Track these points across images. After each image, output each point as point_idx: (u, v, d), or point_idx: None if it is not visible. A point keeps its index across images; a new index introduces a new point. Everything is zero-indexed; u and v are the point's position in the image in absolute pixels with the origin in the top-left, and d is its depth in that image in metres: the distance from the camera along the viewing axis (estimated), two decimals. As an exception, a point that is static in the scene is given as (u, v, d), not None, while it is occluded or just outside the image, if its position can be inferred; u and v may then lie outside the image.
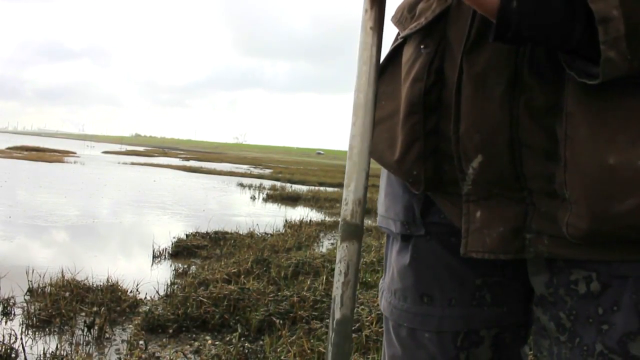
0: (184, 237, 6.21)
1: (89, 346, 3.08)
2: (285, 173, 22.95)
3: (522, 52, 0.56)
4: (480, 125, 0.58)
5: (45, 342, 3.09)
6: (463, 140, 0.60)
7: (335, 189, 15.48)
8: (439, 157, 0.65)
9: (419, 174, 0.66)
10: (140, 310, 3.66)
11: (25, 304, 3.64)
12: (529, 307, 0.74)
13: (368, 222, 8.59)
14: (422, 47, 0.64)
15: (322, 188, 15.51)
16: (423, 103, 0.63)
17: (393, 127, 0.68)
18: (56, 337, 3.20)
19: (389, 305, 0.78)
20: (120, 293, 3.88)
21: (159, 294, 4.02)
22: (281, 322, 3.32)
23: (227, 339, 3.19)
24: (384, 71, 0.73)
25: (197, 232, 6.50)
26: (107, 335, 3.22)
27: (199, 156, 42.83)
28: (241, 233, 6.61)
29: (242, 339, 3.17)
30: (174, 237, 6.11)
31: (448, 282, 0.72)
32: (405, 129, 0.65)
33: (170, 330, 3.29)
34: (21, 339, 3.01)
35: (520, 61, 0.56)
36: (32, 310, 3.47)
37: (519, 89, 0.56)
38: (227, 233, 6.54)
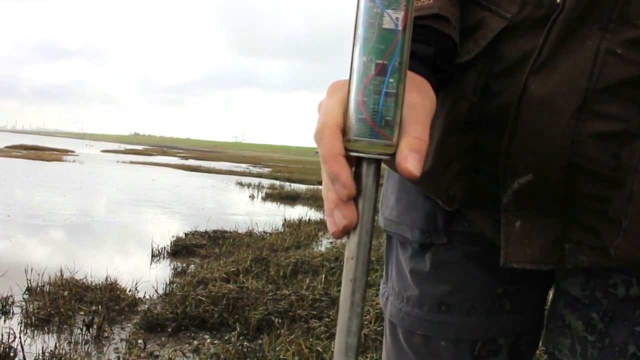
0: (183, 236, 6.20)
1: (87, 345, 3.08)
2: (284, 172, 22.93)
3: (594, 79, 0.53)
4: (538, 148, 0.56)
5: (44, 341, 3.09)
6: (514, 159, 0.58)
7: (334, 188, 15.45)
8: (474, 175, 0.63)
9: (455, 193, 0.64)
10: (139, 309, 3.66)
11: (24, 303, 3.64)
12: (543, 313, 0.74)
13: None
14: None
15: (321, 187, 15.44)
16: (464, 121, 0.60)
17: None
18: (55, 336, 3.20)
19: (399, 312, 0.75)
20: (119, 292, 3.88)
21: (157, 293, 4.02)
22: (280, 321, 3.32)
23: (226, 337, 3.20)
24: None
25: (196, 231, 6.50)
26: (106, 334, 3.22)
27: (197, 155, 42.79)
28: (240, 232, 6.61)
29: (241, 337, 3.17)
30: (172, 236, 6.10)
31: (469, 291, 0.71)
32: (443, 148, 0.62)
33: (169, 329, 3.29)
34: (20, 337, 3.01)
35: (592, 87, 0.53)
36: (31, 309, 3.47)
37: (587, 116, 0.54)
38: (226, 232, 6.53)
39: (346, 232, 0.43)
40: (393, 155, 0.42)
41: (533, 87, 0.55)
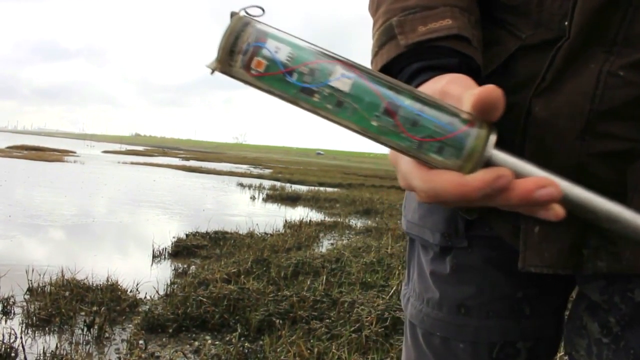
0: (184, 237, 6.21)
1: (88, 345, 3.08)
2: (285, 173, 22.94)
3: (597, 101, 0.54)
4: (545, 166, 0.57)
5: (45, 342, 3.09)
6: None
7: (335, 189, 15.48)
8: None
9: None
10: (140, 309, 3.66)
11: (25, 303, 3.64)
12: (563, 318, 0.74)
13: (367, 222, 8.59)
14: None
15: (321, 188, 15.50)
16: None
17: None
18: (56, 336, 3.20)
19: (419, 313, 0.76)
20: (120, 292, 3.88)
21: (158, 294, 4.03)
22: (281, 322, 3.32)
23: (227, 338, 3.20)
24: None
25: (196, 232, 6.50)
26: (106, 334, 3.22)
27: (198, 156, 42.82)
28: (241, 233, 6.61)
29: (242, 338, 3.17)
30: (173, 237, 6.11)
31: (488, 295, 0.71)
32: None
33: (170, 330, 3.29)
34: (21, 338, 3.01)
35: (595, 109, 0.54)
36: (32, 310, 3.47)
37: (591, 137, 0.55)
38: (226, 233, 6.53)
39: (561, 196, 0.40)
40: (487, 132, 0.40)
41: (537, 109, 0.56)
